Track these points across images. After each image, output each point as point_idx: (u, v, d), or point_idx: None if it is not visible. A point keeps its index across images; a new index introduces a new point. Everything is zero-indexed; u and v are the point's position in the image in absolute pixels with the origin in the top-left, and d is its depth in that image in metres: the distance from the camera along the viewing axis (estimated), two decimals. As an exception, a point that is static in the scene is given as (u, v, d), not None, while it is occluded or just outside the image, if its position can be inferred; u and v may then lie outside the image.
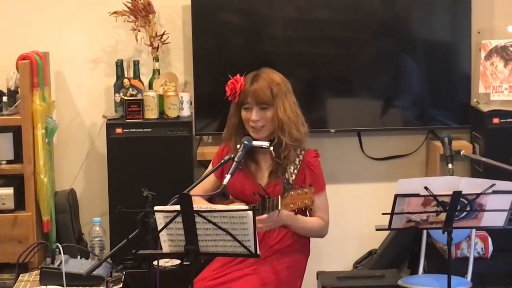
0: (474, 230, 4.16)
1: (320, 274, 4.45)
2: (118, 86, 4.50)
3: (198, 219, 3.02)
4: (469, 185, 3.22)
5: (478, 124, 4.58)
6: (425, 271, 4.28)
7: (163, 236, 3.11)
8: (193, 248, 3.05)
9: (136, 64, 4.56)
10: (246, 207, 3.14)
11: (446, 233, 3.30)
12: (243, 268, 3.57)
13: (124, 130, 4.40)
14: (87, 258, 3.92)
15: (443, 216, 3.26)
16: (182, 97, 4.48)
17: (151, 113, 4.44)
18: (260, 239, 3.33)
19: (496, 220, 3.31)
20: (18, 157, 4.31)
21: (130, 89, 4.46)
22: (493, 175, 3.37)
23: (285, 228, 3.64)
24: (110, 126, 4.42)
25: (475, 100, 4.65)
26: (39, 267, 3.73)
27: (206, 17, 4.54)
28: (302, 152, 3.71)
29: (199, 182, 3.48)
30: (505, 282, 4.51)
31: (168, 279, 3.67)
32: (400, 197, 3.21)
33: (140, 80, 4.55)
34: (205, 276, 3.58)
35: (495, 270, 4.45)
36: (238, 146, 3.56)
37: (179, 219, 3.04)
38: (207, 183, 3.72)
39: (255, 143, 3.58)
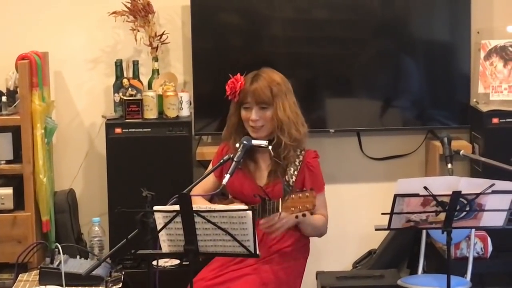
0: (473, 230, 4.16)
1: (319, 274, 4.45)
2: (118, 86, 4.50)
3: (197, 219, 3.02)
4: (469, 185, 3.22)
5: (477, 124, 4.58)
6: (424, 271, 4.29)
7: (163, 236, 3.11)
8: (192, 248, 3.05)
9: (136, 64, 4.56)
10: (245, 207, 3.14)
11: (445, 233, 3.30)
12: (242, 268, 3.57)
13: (124, 130, 4.40)
14: (86, 258, 3.93)
15: (442, 216, 3.26)
16: (181, 97, 4.48)
17: (151, 113, 4.44)
18: (259, 239, 3.33)
19: (496, 220, 3.31)
20: (17, 157, 4.31)
21: (130, 89, 4.46)
22: (492, 175, 3.37)
23: (284, 228, 3.65)
24: (110, 126, 4.42)
25: (474, 100, 4.65)
26: (39, 267, 3.73)
27: (205, 17, 4.53)
28: (302, 152, 3.70)
29: (198, 182, 3.48)
30: (505, 282, 4.51)
31: (167, 279, 3.66)
32: (400, 197, 3.21)
33: (139, 80, 4.55)
34: (204, 276, 3.58)
35: (495, 270, 4.45)
36: (237, 145, 3.55)
37: (178, 219, 3.04)
38: (207, 182, 3.72)
39: (254, 142, 3.58)
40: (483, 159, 3.88)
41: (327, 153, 4.54)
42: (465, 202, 3.23)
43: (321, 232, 3.74)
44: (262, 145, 3.60)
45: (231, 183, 3.50)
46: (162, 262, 4.23)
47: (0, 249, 4.21)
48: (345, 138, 4.77)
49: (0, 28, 4.61)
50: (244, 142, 3.55)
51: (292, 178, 3.64)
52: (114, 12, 4.50)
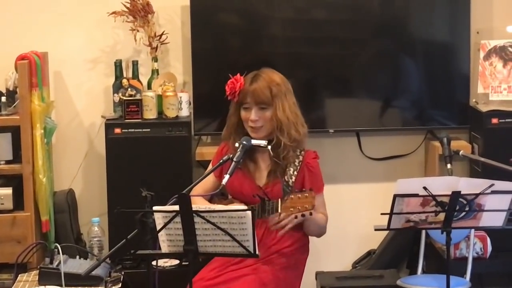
0: (473, 230, 4.15)
1: (319, 274, 4.45)
2: (117, 86, 4.50)
3: (197, 219, 3.02)
4: (468, 185, 3.22)
5: (477, 124, 4.58)
6: (424, 271, 4.29)
7: (162, 236, 3.11)
8: (192, 248, 3.05)
9: (135, 64, 4.56)
10: (245, 207, 3.15)
11: (445, 233, 3.30)
12: (241, 268, 3.56)
13: (123, 130, 4.40)
14: (85, 258, 3.93)
15: (442, 216, 3.26)
16: (181, 97, 4.48)
17: (150, 113, 4.44)
18: (259, 240, 3.33)
19: (495, 220, 3.31)
20: (16, 157, 4.31)
21: (129, 89, 4.46)
22: (492, 175, 3.37)
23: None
24: (109, 126, 4.42)
25: (474, 100, 4.65)
26: (38, 267, 3.73)
27: (205, 17, 4.53)
28: (302, 153, 3.70)
29: (198, 182, 3.48)
30: (504, 282, 4.51)
31: (167, 279, 3.66)
32: (399, 197, 3.21)
33: (139, 80, 4.55)
34: (203, 276, 3.57)
35: (494, 270, 4.44)
36: (237, 145, 3.55)
37: (178, 219, 3.04)
38: (207, 182, 3.72)
39: (253, 142, 3.58)
40: (482, 159, 3.88)
41: (326, 153, 4.54)
42: (465, 202, 3.23)
43: (322, 231, 3.74)
44: (262, 145, 3.60)
45: (230, 183, 3.50)
46: (162, 262, 4.22)
47: (-1, 249, 4.22)
48: (345, 138, 4.76)
49: (0, 28, 4.61)
50: (244, 142, 3.55)
51: (291, 178, 3.64)
52: (114, 12, 4.50)
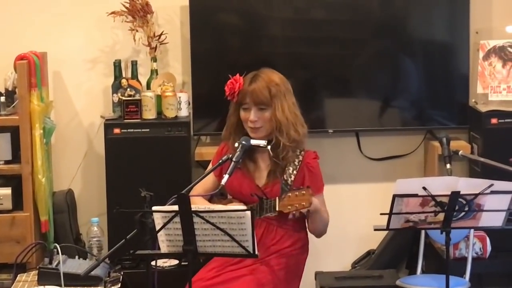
0: (472, 230, 4.15)
1: (318, 274, 4.45)
2: (116, 87, 4.50)
3: (196, 219, 3.02)
4: (467, 185, 3.22)
5: (476, 124, 4.58)
6: (423, 271, 4.28)
7: (161, 236, 3.11)
8: (191, 248, 3.05)
9: (134, 64, 4.56)
10: (244, 207, 3.15)
11: (444, 233, 3.30)
12: (240, 268, 3.56)
13: (122, 131, 4.40)
14: (85, 258, 3.93)
15: (441, 216, 3.26)
16: (180, 97, 4.48)
17: (149, 114, 4.44)
18: (258, 240, 3.33)
19: (495, 220, 3.31)
20: (16, 157, 4.31)
21: (128, 89, 4.46)
22: (491, 175, 3.37)
23: (283, 229, 3.64)
24: (108, 126, 4.42)
25: (473, 100, 4.65)
26: (37, 267, 3.73)
27: (204, 18, 4.53)
28: (302, 153, 3.70)
29: (197, 182, 3.48)
30: (504, 282, 4.51)
31: (166, 279, 3.67)
32: (398, 197, 3.21)
33: (138, 81, 4.54)
34: (202, 276, 3.57)
35: (493, 270, 4.44)
36: (236, 145, 3.55)
37: (177, 219, 3.04)
38: (207, 182, 3.73)
39: (253, 142, 3.58)
40: (482, 159, 3.88)
41: (326, 153, 4.53)
42: (464, 202, 3.23)
43: (325, 228, 3.73)
44: (261, 145, 3.60)
45: (230, 183, 3.50)
46: (161, 263, 4.23)
47: (-2, 250, 4.22)
48: (344, 139, 4.76)
49: (-1, 28, 4.62)
50: (243, 142, 3.54)
51: (290, 177, 3.63)
52: (113, 12, 4.50)
